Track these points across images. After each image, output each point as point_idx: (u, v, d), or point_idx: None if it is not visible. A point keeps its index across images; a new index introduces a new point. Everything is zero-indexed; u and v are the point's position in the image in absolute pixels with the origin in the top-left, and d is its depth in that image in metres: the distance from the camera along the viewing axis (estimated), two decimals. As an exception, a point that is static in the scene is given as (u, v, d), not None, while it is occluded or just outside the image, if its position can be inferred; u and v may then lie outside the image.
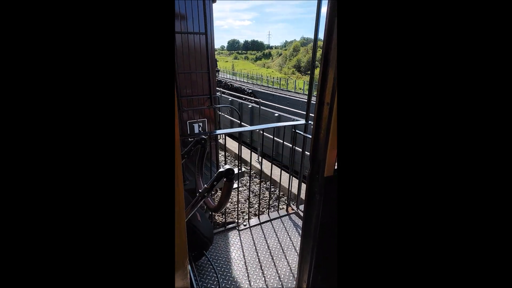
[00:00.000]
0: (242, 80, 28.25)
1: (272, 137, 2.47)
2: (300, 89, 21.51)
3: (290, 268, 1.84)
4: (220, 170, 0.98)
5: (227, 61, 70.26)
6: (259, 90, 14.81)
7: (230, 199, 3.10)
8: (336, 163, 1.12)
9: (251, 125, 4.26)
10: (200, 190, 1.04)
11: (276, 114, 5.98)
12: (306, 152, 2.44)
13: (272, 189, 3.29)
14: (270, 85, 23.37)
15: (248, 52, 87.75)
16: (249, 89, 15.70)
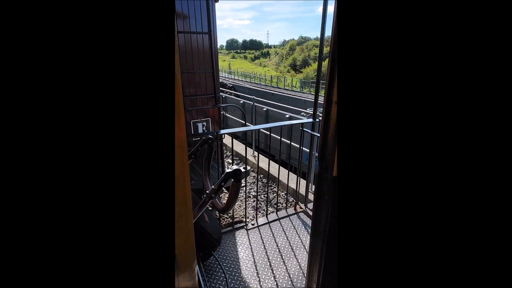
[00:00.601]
0: (236, 78, 30.20)
1: (279, 137, 2.46)
2: (293, 86, 22.31)
3: (300, 267, 1.83)
4: (228, 170, 0.97)
5: (224, 60, 70.41)
6: (240, 85, 15.95)
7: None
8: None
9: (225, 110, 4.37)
10: (208, 191, 1.04)
11: (242, 101, 7.06)
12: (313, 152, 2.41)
13: (280, 189, 3.28)
14: (262, 83, 24.78)
15: (246, 51, 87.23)
16: (230, 84, 16.78)
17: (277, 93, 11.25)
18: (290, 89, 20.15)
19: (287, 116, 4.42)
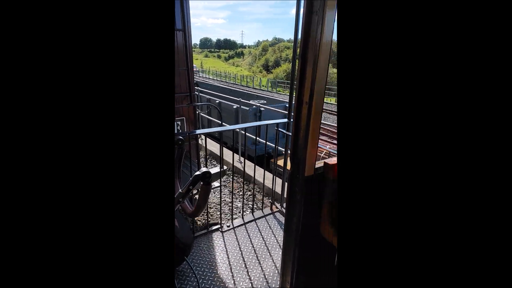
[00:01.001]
0: (206, 76, 33.57)
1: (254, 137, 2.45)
2: (262, 85, 24.90)
3: (275, 267, 1.83)
4: (196, 173, 0.93)
5: (196, 59, 69.95)
6: (205, 82, 16.97)
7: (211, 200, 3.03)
8: (316, 162, 1.10)
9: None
10: (175, 195, 0.99)
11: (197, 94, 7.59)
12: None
13: (257, 190, 3.27)
14: (231, 81, 28.30)
15: (220, 50, 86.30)
16: (194, 81, 17.57)
17: (235, 89, 12.41)
18: (259, 87, 22.87)
19: (234, 107, 5.50)
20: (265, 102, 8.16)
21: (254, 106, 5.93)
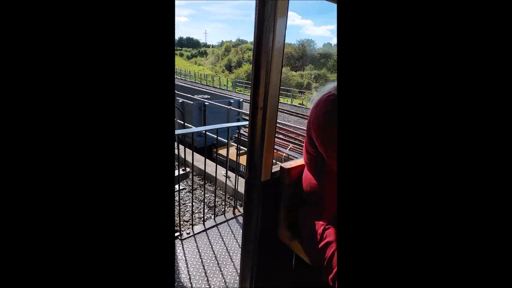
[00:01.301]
0: None
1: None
2: (224, 85, 26.87)
3: (236, 272, 1.80)
4: None
5: None
6: None
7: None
8: (272, 167, 1.11)
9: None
10: None
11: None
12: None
13: (219, 193, 3.20)
14: (188, 79, 30.81)
15: (183, 48, 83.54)
16: None
17: (186, 85, 13.41)
18: (219, 87, 25.26)
19: (180, 101, 6.01)
20: (209, 97, 8.27)
21: (199, 101, 6.45)
